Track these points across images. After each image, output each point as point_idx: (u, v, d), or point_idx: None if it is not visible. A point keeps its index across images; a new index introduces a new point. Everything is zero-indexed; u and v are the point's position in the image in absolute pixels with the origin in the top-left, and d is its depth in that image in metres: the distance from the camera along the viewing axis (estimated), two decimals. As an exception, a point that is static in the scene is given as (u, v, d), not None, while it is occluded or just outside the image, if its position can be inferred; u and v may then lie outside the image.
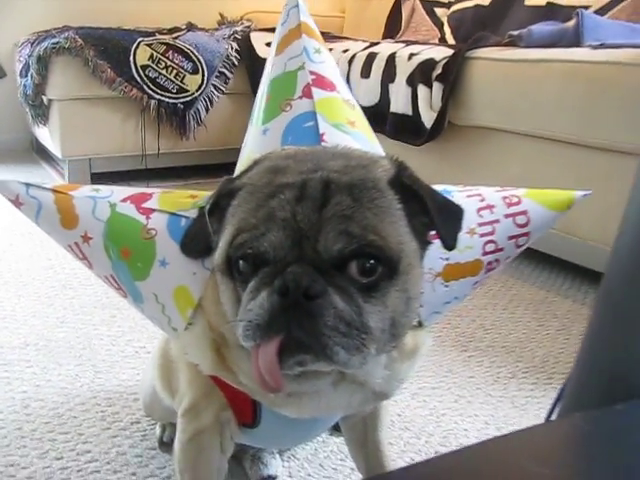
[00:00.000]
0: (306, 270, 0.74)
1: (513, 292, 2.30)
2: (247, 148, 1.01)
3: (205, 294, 0.91)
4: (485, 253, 1.00)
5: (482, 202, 1.02)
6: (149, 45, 3.53)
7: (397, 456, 1.37)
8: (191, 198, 0.97)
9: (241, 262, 0.79)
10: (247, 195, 0.81)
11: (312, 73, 0.99)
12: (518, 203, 1.03)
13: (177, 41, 3.62)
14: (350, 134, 0.96)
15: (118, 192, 0.98)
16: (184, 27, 3.96)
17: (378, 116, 2.91)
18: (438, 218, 0.82)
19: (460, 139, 2.70)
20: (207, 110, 3.69)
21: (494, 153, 2.58)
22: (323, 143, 0.93)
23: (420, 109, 2.73)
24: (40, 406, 1.50)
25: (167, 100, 3.55)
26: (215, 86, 3.70)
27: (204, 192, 0.98)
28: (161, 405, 1.24)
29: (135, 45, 3.49)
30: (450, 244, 0.85)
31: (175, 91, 3.56)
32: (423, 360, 1.71)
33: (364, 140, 0.98)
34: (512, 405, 1.58)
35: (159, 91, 3.53)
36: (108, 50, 3.41)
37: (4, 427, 1.41)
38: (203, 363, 0.91)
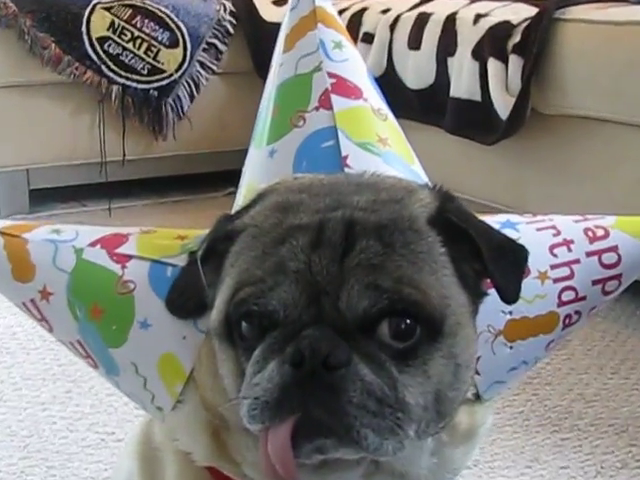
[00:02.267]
0: (326, 334, 0.85)
1: (627, 348, 2.38)
2: (248, 174, 1.14)
3: (198, 364, 1.03)
4: (561, 303, 1.10)
5: (557, 237, 1.13)
6: (108, 9, 3.64)
7: None
8: (179, 240, 1.10)
9: (244, 324, 0.90)
10: (250, 240, 0.93)
11: (331, 75, 1.11)
12: (605, 237, 1.13)
13: (147, 2, 3.72)
14: (381, 155, 1.08)
15: (85, 233, 1.11)
16: (157, -18, 4.08)
17: (433, 103, 3.03)
18: (493, 264, 0.93)
19: (549, 134, 2.79)
20: (192, 98, 3.81)
21: (599, 153, 2.66)
22: (346, 169, 1.05)
23: (492, 92, 2.81)
24: (-25, 517, 1.62)
25: (135, 85, 3.66)
26: (202, 63, 3.81)
27: (195, 232, 1.11)
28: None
29: (89, 10, 3.59)
30: (510, 297, 0.96)
31: (146, 72, 3.67)
32: (498, 447, 1.82)
33: (399, 162, 1.10)
34: None
35: (123, 73, 3.63)
36: (51, 18, 3.53)
37: None
38: (196, 451, 1.03)
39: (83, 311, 1.07)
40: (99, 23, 3.62)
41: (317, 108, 1.10)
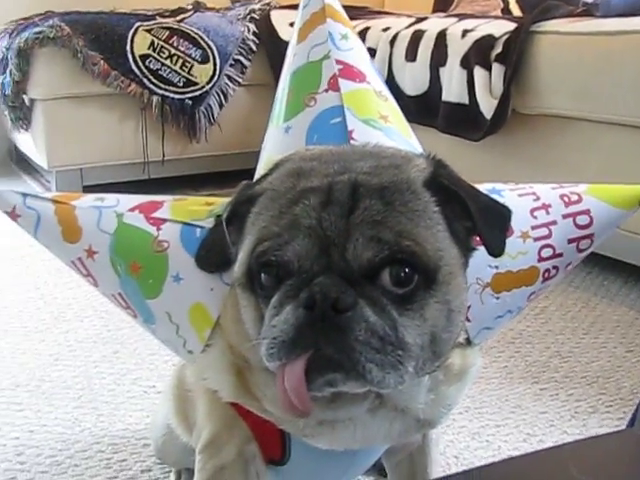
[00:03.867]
0: (334, 281, 0.83)
1: (596, 313, 2.37)
2: (267, 149, 1.13)
3: (224, 312, 1.02)
4: (541, 259, 1.09)
5: (537, 201, 1.11)
6: (149, 31, 3.67)
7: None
8: (206, 206, 1.09)
9: (263, 274, 0.89)
10: (268, 201, 0.92)
11: (339, 62, 1.10)
12: (578, 201, 1.12)
13: (182, 25, 3.76)
14: (382, 130, 1.06)
15: (125, 201, 1.10)
16: (190, 7, 4.10)
17: (428, 106, 3.02)
18: (481, 222, 0.91)
19: (527, 131, 2.79)
20: (221, 106, 3.82)
21: (570, 146, 2.66)
22: (352, 141, 1.04)
23: (478, 96, 2.81)
24: (35, 454, 1.62)
25: (172, 96, 3.68)
26: (229, 77, 3.83)
27: (221, 199, 1.10)
28: (176, 447, 1.35)
29: (132, 32, 3.62)
30: (495, 250, 0.94)
31: (182, 84, 3.69)
32: (486, 396, 1.81)
33: (398, 136, 1.08)
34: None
35: (162, 85, 3.66)
36: (100, 39, 3.55)
37: (-4, 478, 1.54)
38: (223, 388, 1.02)
39: (123, 267, 1.06)
40: (141, 43, 3.64)
41: (327, 90, 1.09)
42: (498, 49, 2.73)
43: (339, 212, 0.85)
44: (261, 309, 0.90)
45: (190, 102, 3.73)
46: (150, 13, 3.89)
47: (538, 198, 1.12)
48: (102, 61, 3.55)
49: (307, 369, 0.81)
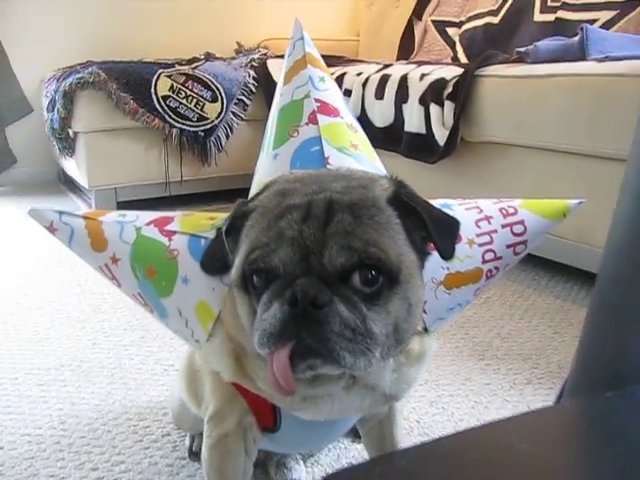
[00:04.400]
0: (313, 282, 0.81)
1: (529, 302, 2.35)
2: (259, 173, 1.10)
3: (224, 308, 0.99)
4: (484, 261, 1.06)
5: (480, 214, 1.09)
6: (169, 76, 3.65)
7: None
8: (209, 220, 1.06)
9: (255, 277, 0.86)
10: (259, 216, 0.89)
11: (317, 101, 1.08)
12: (515, 214, 1.10)
13: (196, 71, 3.73)
14: (353, 156, 1.04)
15: (142, 216, 1.07)
16: (202, 57, 4.09)
17: (393, 136, 3.00)
18: (434, 231, 0.89)
19: (473, 155, 2.77)
20: (227, 137, 3.80)
21: (507, 167, 2.64)
22: (328, 166, 1.01)
23: (433, 128, 2.79)
24: (76, 422, 1.58)
25: (188, 129, 3.66)
26: (234, 113, 3.81)
27: (221, 214, 1.07)
28: (189, 416, 1.32)
29: (156, 77, 3.60)
30: (447, 255, 0.92)
31: (196, 119, 3.67)
32: (441, 370, 1.78)
33: (366, 161, 1.06)
34: (528, 409, 1.62)
35: (180, 120, 3.63)
36: (130, 83, 3.53)
37: (43, 442, 1.50)
38: (224, 371, 0.99)
39: (141, 272, 1.03)
40: (163, 86, 3.62)
41: (307, 123, 1.07)
42: (449, 89, 2.71)
43: (316, 225, 0.83)
44: (253, 306, 0.88)
45: (202, 134, 3.71)
46: (170, 62, 3.86)
47: (481, 211, 1.10)
48: (132, 101, 3.52)
49: (291, 356, 0.80)
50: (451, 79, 2.72)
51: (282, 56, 3.91)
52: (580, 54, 2.45)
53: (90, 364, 1.89)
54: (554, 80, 2.34)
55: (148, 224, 1.05)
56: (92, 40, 4.55)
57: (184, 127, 3.65)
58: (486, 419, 1.59)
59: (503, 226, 1.08)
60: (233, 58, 4.16)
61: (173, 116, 3.62)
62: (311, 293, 0.80)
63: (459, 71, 2.74)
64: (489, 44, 3.65)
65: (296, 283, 0.81)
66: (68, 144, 3.76)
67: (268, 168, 1.06)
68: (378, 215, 0.86)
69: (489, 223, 1.08)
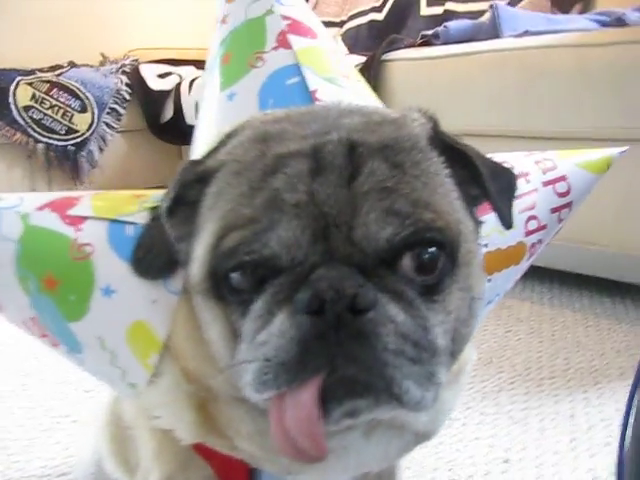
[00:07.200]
0: (343, 272, 0.48)
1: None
2: (205, 125, 0.73)
3: (175, 330, 0.62)
4: (528, 232, 0.77)
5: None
6: (30, 84, 3.21)
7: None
8: (135, 198, 0.68)
9: (235, 275, 0.51)
10: (231, 176, 0.54)
11: (285, 18, 0.74)
12: (554, 168, 0.80)
13: (61, 78, 3.32)
14: (348, 88, 0.70)
15: (31, 199, 0.68)
16: (66, 64, 3.62)
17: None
18: (493, 188, 0.58)
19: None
20: (101, 150, 3.39)
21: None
22: (317, 102, 0.67)
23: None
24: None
25: (56, 143, 3.25)
26: (107, 124, 3.41)
27: (151, 191, 0.70)
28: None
29: (14, 85, 3.17)
30: (508, 221, 0.62)
31: (64, 132, 3.26)
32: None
33: (367, 96, 0.73)
34: (511, 421, 1.38)
35: (46, 133, 3.22)
36: (-18, 92, 3.06)
37: None
38: (180, 428, 0.62)
39: (35, 283, 0.63)
40: (23, 95, 3.18)
41: (276, 48, 0.72)
42: (354, 78, 2.44)
43: (337, 180, 0.50)
44: (233, 322, 0.53)
45: (73, 148, 3.29)
46: (30, 69, 3.38)
47: (512, 167, 0.79)
48: (-15, 114, 3.05)
49: (320, 398, 0.46)
50: (356, 66, 2.45)
51: (156, 61, 3.49)
52: (493, 32, 2.26)
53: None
54: (473, 58, 2.12)
55: (40, 208, 0.66)
56: None
57: (51, 141, 3.23)
58: (468, 438, 1.30)
59: (544, 184, 0.79)
60: (101, 64, 3.73)
61: (37, 129, 3.19)
62: (347, 290, 0.46)
63: (361, 59, 2.49)
64: (375, 41, 3.45)
65: (313, 278, 0.48)
66: None
67: (222, 114, 0.71)
68: (423, 162, 0.54)
69: (527, 181, 0.78)
